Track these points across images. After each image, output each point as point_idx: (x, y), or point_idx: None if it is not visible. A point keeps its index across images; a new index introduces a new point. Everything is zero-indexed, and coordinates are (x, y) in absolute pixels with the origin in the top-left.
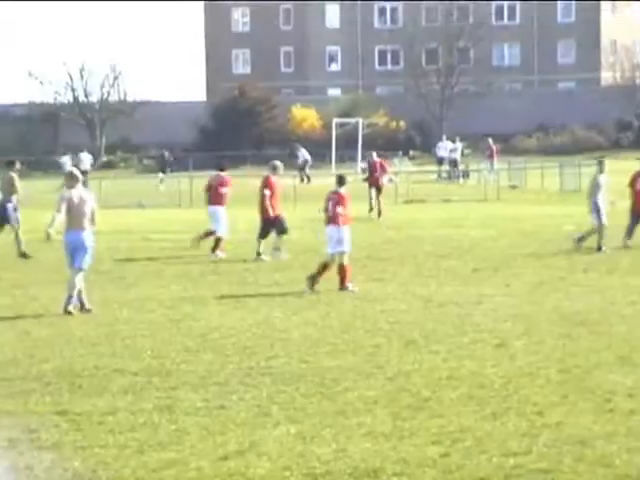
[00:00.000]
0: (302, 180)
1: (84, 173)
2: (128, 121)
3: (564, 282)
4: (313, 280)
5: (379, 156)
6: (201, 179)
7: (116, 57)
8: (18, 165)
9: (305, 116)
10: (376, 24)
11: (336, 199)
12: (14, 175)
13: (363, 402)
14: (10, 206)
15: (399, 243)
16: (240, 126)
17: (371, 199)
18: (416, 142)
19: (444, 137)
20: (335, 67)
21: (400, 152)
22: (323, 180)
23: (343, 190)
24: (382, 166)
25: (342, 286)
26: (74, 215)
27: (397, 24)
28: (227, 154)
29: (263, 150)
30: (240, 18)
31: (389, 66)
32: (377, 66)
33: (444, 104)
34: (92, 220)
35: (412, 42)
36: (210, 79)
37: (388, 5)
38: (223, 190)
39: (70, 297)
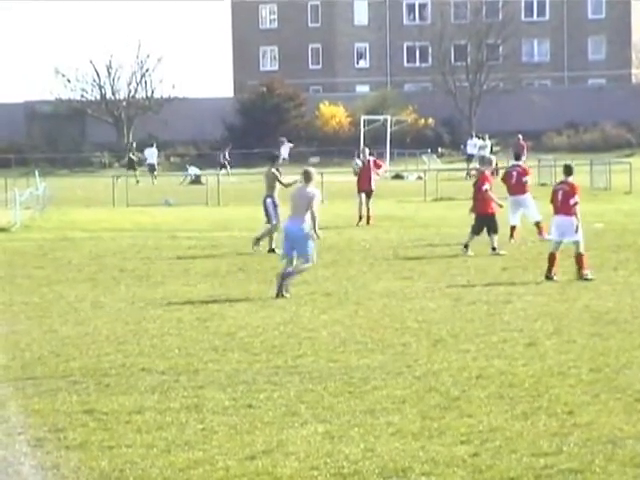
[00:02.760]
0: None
1: (152, 167)
2: (155, 118)
3: (594, 280)
4: (549, 273)
5: (371, 154)
6: (228, 176)
7: (143, 54)
8: (280, 160)
9: (333, 113)
10: (405, 21)
11: (566, 189)
12: (276, 171)
13: (391, 401)
14: (269, 202)
15: (428, 241)
16: (267, 123)
17: (360, 205)
18: (445, 139)
19: (473, 134)
20: (363, 64)
21: (429, 149)
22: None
23: (571, 180)
24: (376, 164)
25: (580, 275)
26: (293, 207)
27: (426, 21)
28: (254, 151)
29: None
30: (268, 15)
31: (417, 63)
32: (405, 63)
33: (473, 101)
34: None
35: (441, 39)
36: (237, 76)
37: (417, 2)
38: (524, 179)
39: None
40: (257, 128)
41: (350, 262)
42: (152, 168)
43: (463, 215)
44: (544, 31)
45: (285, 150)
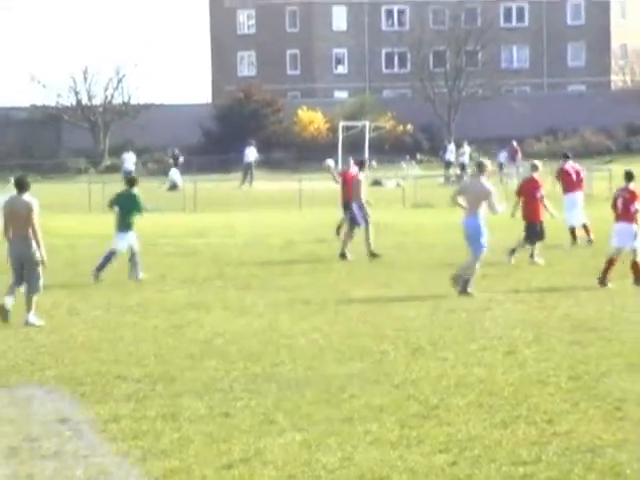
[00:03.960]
0: (243, 182)
1: (128, 173)
2: (132, 124)
3: (574, 288)
4: (603, 279)
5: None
6: (205, 183)
7: (120, 60)
8: (367, 165)
9: (311, 119)
10: (383, 26)
11: (626, 196)
12: (362, 177)
13: (370, 409)
14: (356, 206)
15: (407, 248)
16: (245, 129)
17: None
18: (423, 146)
19: (452, 140)
20: (342, 70)
21: (407, 156)
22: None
23: (633, 186)
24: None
25: (638, 282)
26: (467, 201)
27: (404, 27)
28: (232, 157)
29: (269, 153)
30: (245, 20)
31: (396, 69)
32: (384, 69)
33: (452, 107)
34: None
35: (419, 45)
36: (215, 82)
37: (395, 7)
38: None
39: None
40: (235, 134)
41: (329, 269)
42: (128, 173)
43: (442, 222)
44: (523, 37)
45: (252, 154)
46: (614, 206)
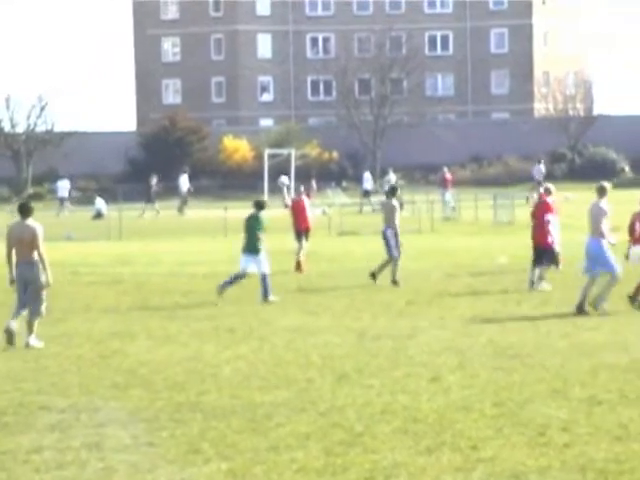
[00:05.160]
0: (180, 211)
1: (62, 200)
2: (56, 152)
3: (498, 315)
4: (633, 298)
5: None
6: (130, 211)
7: (43, 87)
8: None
9: (237, 147)
10: (308, 54)
11: None
12: (396, 204)
13: (295, 438)
14: (390, 233)
15: (333, 276)
16: (171, 157)
17: (299, 250)
18: (349, 173)
19: (367, 168)
20: (267, 97)
21: (333, 183)
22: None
23: None
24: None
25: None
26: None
27: (329, 54)
28: (157, 185)
29: (194, 181)
30: (170, 48)
31: (322, 96)
32: (310, 96)
33: (377, 135)
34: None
35: (345, 72)
36: (140, 109)
37: (320, 35)
38: None
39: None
40: (160, 162)
41: (254, 297)
42: (62, 201)
43: (368, 249)
44: (448, 65)
45: (185, 182)
46: (631, 229)
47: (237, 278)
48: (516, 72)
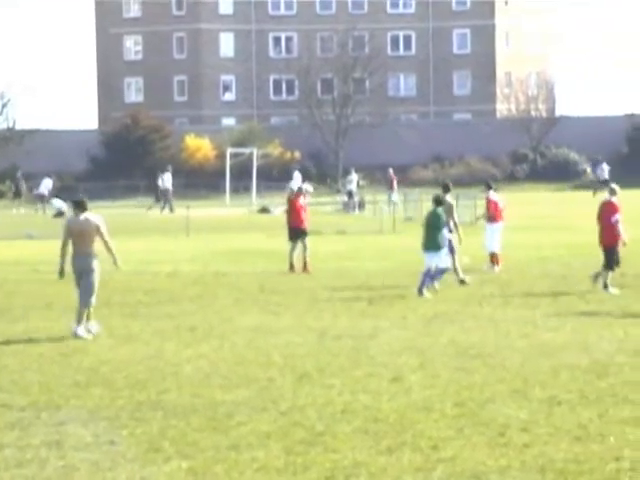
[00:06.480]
0: (163, 209)
1: (41, 197)
2: (18, 150)
3: (460, 315)
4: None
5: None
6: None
7: (4, 85)
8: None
9: (199, 146)
10: (271, 53)
11: None
12: (453, 202)
13: (256, 436)
14: (444, 230)
15: (294, 275)
16: (132, 155)
17: (292, 251)
18: (311, 173)
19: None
20: (229, 96)
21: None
22: (217, 210)
23: None
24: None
25: None
26: None
27: (292, 54)
28: (120, 183)
29: (157, 180)
30: (132, 46)
31: (284, 96)
32: (272, 96)
33: (340, 135)
34: None
35: (307, 72)
36: (102, 108)
37: (283, 35)
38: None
39: None
40: (122, 160)
41: (216, 296)
42: (42, 198)
43: (330, 249)
44: (410, 65)
45: (168, 179)
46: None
47: (437, 274)
48: (478, 73)
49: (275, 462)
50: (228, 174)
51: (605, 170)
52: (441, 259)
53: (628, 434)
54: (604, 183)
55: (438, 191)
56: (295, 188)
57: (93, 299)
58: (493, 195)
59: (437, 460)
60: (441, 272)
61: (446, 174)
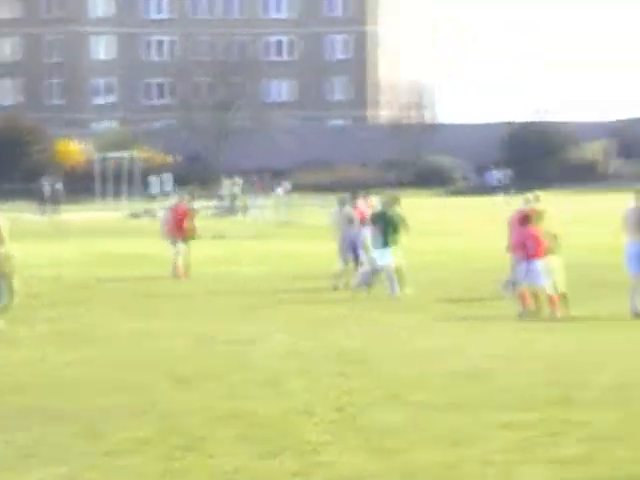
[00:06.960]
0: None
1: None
2: None
3: (344, 320)
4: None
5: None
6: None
7: None
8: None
9: (72, 150)
10: (147, 56)
11: None
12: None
13: (134, 442)
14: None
15: (176, 280)
16: (8, 158)
17: (177, 255)
18: (191, 177)
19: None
20: (106, 100)
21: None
22: (89, 214)
23: None
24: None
25: None
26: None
27: (169, 57)
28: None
29: (35, 183)
30: (9, 48)
31: (161, 99)
32: (148, 99)
33: (221, 139)
34: None
35: (185, 76)
36: None
37: (161, 38)
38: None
39: None
40: None
41: (98, 300)
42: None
43: (209, 254)
44: (288, 71)
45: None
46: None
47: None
48: (354, 79)
49: (153, 468)
50: (100, 178)
51: (494, 177)
52: (381, 258)
53: (499, 439)
54: (493, 190)
55: (313, 195)
56: (179, 194)
57: None
58: (360, 203)
59: (316, 464)
60: (374, 272)
61: (320, 179)
